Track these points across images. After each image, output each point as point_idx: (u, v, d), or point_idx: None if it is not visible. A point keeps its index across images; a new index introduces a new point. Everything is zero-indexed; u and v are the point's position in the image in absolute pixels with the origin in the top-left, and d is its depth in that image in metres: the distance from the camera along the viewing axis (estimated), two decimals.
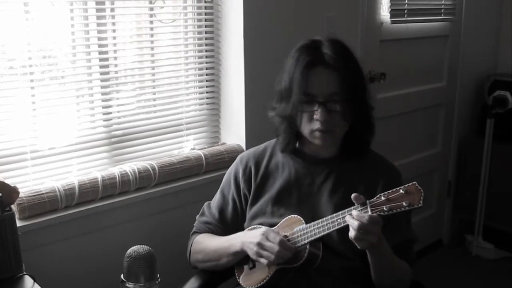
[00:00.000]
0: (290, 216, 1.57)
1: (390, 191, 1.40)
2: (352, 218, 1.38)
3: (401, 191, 1.38)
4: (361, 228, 1.36)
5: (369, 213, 1.38)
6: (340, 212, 1.45)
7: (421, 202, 1.36)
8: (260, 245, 1.51)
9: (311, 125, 1.54)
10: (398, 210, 1.38)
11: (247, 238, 1.57)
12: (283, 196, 1.63)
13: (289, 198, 1.62)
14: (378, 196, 1.41)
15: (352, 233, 1.38)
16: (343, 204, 1.48)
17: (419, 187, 1.38)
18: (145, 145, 2.11)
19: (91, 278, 1.89)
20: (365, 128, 1.61)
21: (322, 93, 1.51)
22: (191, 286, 1.67)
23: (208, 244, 1.69)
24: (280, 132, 1.64)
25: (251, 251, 1.54)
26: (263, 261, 1.52)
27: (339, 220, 1.44)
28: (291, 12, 2.32)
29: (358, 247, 1.41)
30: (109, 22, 1.96)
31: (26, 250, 1.58)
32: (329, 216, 1.48)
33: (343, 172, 1.62)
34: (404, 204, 1.37)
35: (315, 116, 1.52)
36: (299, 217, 1.55)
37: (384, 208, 1.38)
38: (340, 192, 1.59)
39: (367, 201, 1.41)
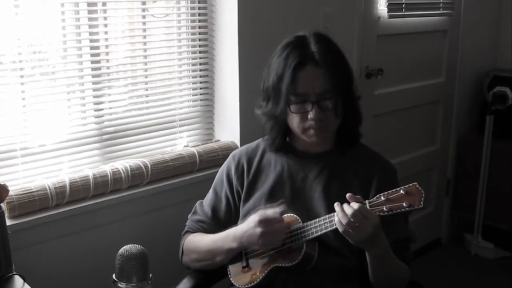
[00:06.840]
0: (286, 215, 1.55)
1: (390, 191, 1.40)
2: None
3: (401, 191, 1.38)
4: (354, 215, 1.35)
5: None
6: None
7: (421, 203, 1.36)
8: (264, 235, 1.47)
9: (304, 124, 1.54)
10: (398, 210, 1.38)
11: (243, 233, 1.53)
12: (276, 192, 1.62)
13: (282, 194, 1.61)
14: (377, 196, 1.41)
15: (344, 220, 1.36)
16: (337, 199, 1.46)
17: (420, 188, 1.38)
18: (137, 142, 2.09)
19: (82, 278, 1.87)
20: (354, 119, 1.61)
21: (314, 92, 1.50)
22: (184, 286, 1.65)
23: (200, 243, 1.67)
24: (267, 131, 1.64)
25: (257, 245, 1.51)
26: (274, 245, 1.51)
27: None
28: (287, 7, 2.30)
29: (349, 240, 1.39)
30: (101, 17, 1.94)
31: (16, 250, 1.58)
32: (327, 216, 1.46)
33: (336, 167, 1.61)
34: (404, 204, 1.37)
35: (309, 116, 1.51)
36: (295, 216, 1.53)
37: (384, 208, 1.38)
38: (334, 187, 1.58)
39: (366, 201, 1.41)
